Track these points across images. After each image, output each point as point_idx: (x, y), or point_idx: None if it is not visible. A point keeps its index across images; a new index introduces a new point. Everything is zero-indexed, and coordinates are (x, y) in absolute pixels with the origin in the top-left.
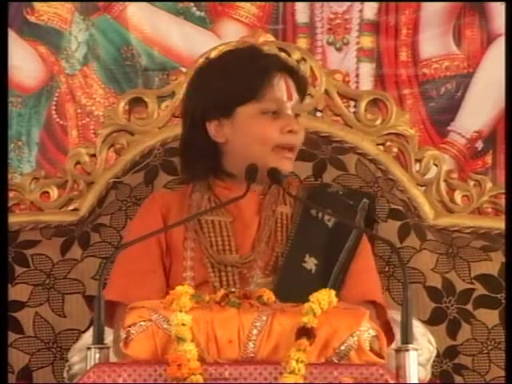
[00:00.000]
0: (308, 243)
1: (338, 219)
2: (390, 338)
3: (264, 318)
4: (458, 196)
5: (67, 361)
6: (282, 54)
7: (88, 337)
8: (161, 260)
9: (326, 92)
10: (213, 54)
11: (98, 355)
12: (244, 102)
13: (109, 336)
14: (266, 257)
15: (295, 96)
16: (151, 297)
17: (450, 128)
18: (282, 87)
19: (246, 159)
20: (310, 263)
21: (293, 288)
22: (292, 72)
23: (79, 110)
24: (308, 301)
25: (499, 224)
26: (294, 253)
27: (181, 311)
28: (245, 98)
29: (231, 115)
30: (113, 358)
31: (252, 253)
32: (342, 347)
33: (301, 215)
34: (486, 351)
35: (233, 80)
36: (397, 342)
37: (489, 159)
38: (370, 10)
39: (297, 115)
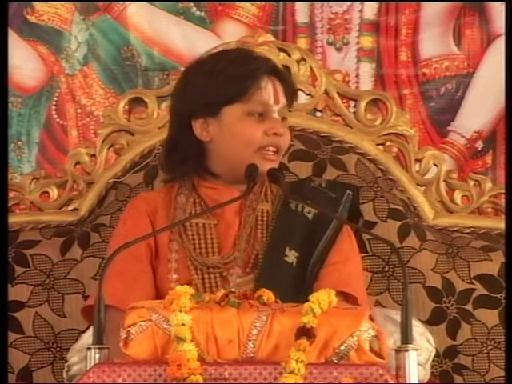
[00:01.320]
0: (288, 237)
1: (317, 210)
2: None
3: (264, 317)
4: (457, 196)
5: (67, 361)
6: (281, 54)
7: (88, 337)
8: (150, 262)
9: (326, 92)
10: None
11: (97, 355)
12: (231, 103)
13: None
14: (247, 255)
15: (282, 100)
16: (142, 299)
17: (450, 128)
18: (269, 90)
19: (229, 159)
20: (291, 256)
21: (274, 282)
22: (281, 76)
23: (79, 110)
24: (307, 300)
25: (499, 224)
26: (273, 248)
27: (181, 311)
28: (231, 98)
29: (217, 114)
30: None
31: (233, 252)
32: (342, 347)
33: (279, 210)
34: (485, 351)
35: (220, 80)
36: (396, 341)
37: (489, 159)
38: (370, 10)
39: (283, 119)
